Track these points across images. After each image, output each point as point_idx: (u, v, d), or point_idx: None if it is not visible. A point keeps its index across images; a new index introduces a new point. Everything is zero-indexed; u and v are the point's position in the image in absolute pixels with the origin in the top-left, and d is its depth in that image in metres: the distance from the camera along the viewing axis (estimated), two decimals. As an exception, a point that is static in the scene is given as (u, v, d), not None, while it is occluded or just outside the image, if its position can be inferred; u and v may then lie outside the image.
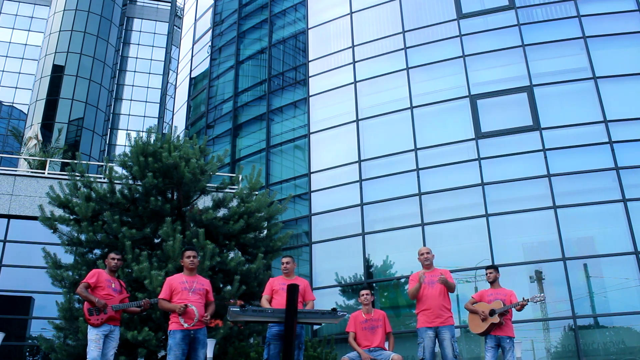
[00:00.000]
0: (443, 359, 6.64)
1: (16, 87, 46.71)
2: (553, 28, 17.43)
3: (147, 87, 48.02)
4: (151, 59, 48.97)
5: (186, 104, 27.22)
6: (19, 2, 49.22)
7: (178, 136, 21.64)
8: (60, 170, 23.91)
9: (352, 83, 19.33)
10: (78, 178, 11.00)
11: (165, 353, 7.66)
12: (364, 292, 7.06)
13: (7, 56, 47.27)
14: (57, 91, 38.95)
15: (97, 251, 10.85)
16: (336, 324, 9.09)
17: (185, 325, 5.93)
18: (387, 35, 19.47)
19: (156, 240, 10.90)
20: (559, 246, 14.78)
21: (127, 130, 43.79)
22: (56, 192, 10.76)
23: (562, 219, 15.00)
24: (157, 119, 43.13)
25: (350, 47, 19.95)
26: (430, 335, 6.61)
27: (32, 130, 35.11)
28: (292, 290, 5.27)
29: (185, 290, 6.06)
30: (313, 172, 18.98)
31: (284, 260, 6.80)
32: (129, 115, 46.89)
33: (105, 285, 6.54)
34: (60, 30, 40.74)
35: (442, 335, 6.59)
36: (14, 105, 46.57)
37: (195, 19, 28.57)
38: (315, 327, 16.48)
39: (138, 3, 51.15)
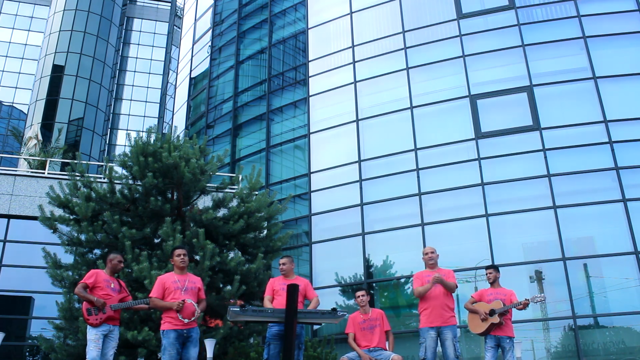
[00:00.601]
0: (445, 359, 6.63)
1: (16, 87, 46.72)
2: (553, 28, 17.42)
3: (147, 87, 48.02)
4: (151, 59, 48.97)
5: (186, 104, 27.21)
6: (19, 2, 49.22)
7: (178, 136, 21.64)
8: (60, 170, 23.90)
9: (352, 83, 19.32)
10: (78, 178, 11.01)
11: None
12: (359, 293, 7.07)
13: (7, 56, 47.27)
14: (57, 91, 38.94)
15: (97, 251, 10.86)
16: (336, 324, 9.08)
17: (186, 320, 5.93)
18: (387, 35, 19.46)
19: (156, 240, 10.91)
20: (559, 246, 14.78)
21: (127, 130, 43.80)
22: (56, 192, 10.77)
23: (562, 219, 14.99)
24: (157, 119, 43.12)
25: (350, 47, 19.95)
26: (432, 335, 6.61)
27: (32, 130, 35.10)
28: (292, 290, 5.28)
29: (178, 289, 6.05)
30: (313, 172, 18.98)
31: (281, 261, 6.80)
32: (129, 115, 46.89)
33: (104, 285, 6.52)
34: (60, 30, 40.73)
35: (444, 335, 6.59)
36: (14, 105, 46.58)
37: (195, 19, 28.56)
38: (315, 327, 16.48)
39: (138, 3, 51.14)
